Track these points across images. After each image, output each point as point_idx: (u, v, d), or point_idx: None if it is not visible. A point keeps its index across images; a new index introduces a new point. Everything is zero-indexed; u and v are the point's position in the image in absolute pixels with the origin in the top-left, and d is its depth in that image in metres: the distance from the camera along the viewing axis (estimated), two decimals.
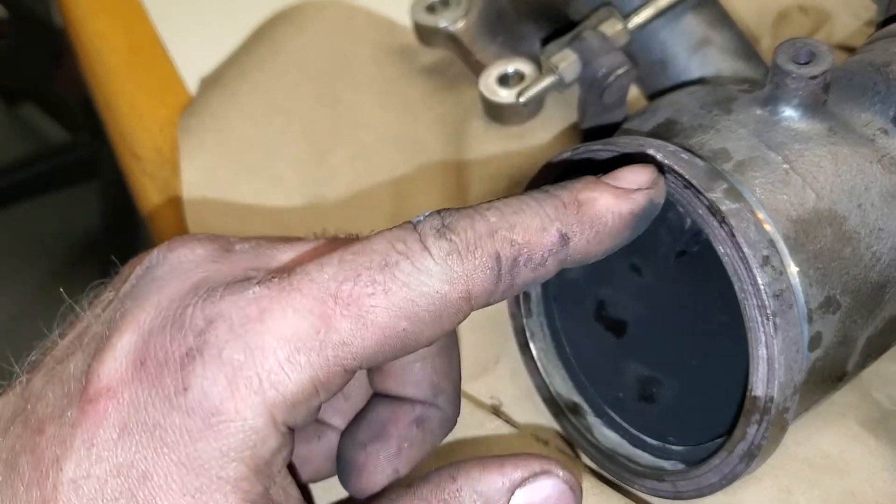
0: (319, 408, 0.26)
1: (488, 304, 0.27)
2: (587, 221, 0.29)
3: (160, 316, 0.26)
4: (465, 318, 0.27)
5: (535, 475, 0.27)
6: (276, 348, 0.24)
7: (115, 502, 0.24)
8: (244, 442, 0.24)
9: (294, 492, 0.28)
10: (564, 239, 0.28)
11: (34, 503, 0.24)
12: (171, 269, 0.28)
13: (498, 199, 0.29)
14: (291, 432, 0.26)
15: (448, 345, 0.33)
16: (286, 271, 0.26)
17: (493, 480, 0.27)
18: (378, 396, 0.33)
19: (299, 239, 0.31)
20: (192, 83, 0.56)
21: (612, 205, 0.29)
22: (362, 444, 0.32)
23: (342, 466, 0.32)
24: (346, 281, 0.25)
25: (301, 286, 0.25)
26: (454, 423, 0.34)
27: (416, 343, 0.26)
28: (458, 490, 0.27)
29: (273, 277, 0.26)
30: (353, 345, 0.25)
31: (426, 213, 0.28)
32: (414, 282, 0.26)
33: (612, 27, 0.43)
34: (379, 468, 0.31)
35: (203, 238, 0.30)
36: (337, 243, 0.30)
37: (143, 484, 0.24)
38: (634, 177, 0.30)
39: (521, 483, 0.27)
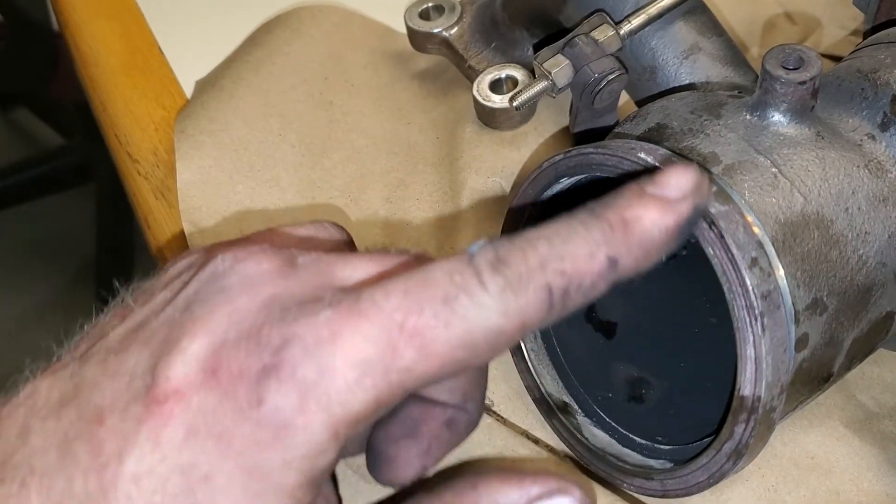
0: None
1: (541, 328, 0.29)
2: (634, 242, 0.29)
3: (234, 329, 0.27)
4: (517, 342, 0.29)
5: (552, 492, 0.29)
6: (346, 370, 0.26)
7: (174, 498, 0.25)
8: (307, 454, 0.26)
9: (333, 499, 0.30)
10: (613, 262, 0.29)
11: (91, 490, 0.26)
12: (239, 281, 0.29)
13: (547, 226, 0.29)
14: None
15: None
16: (353, 295, 0.27)
17: (512, 493, 0.28)
18: (412, 397, 0.34)
19: (354, 253, 0.32)
20: (188, 86, 0.56)
21: (657, 220, 0.29)
22: (395, 438, 0.33)
23: (373, 457, 0.34)
24: (410, 313, 0.27)
25: (369, 313, 0.27)
26: (477, 425, 0.35)
27: (470, 367, 0.28)
28: (477, 499, 0.28)
29: (342, 301, 0.27)
30: (415, 371, 0.27)
31: (479, 243, 0.29)
32: (472, 315, 0.27)
33: (603, 33, 0.44)
34: (409, 462, 0.33)
35: (269, 250, 0.30)
36: (393, 265, 0.31)
37: (203, 484, 0.26)
38: (678, 182, 0.29)
39: (538, 498, 0.29)
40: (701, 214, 0.31)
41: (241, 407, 0.26)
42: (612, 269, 0.29)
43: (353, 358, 0.26)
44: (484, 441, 0.40)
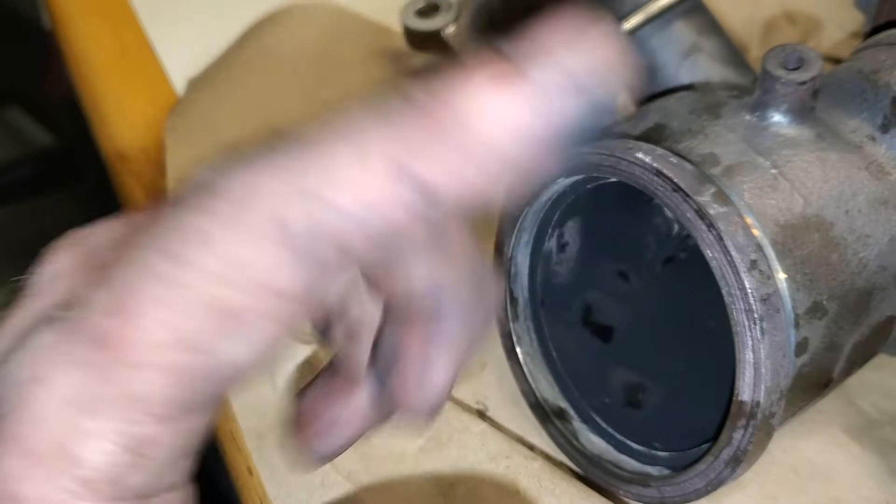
0: (186, 456, 0.21)
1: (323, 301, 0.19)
2: (468, 153, 0.17)
3: None
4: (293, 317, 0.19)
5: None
6: (58, 418, 0.19)
7: None
8: None
9: None
10: (427, 189, 0.17)
11: None
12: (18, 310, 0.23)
13: (310, 128, 0.19)
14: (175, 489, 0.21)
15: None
16: (66, 306, 0.20)
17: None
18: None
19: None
20: (179, 83, 0.55)
21: (510, 118, 0.17)
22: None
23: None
24: (106, 315, 0.19)
25: (71, 329, 0.20)
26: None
27: (225, 368, 0.19)
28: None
29: (55, 320, 0.20)
30: (145, 394, 0.19)
31: (199, 171, 0.20)
32: (188, 297, 0.19)
33: None
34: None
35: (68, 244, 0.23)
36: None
37: None
38: (558, 55, 0.17)
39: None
40: (608, 105, 0.18)
41: None
42: (427, 204, 0.17)
43: (62, 397, 0.19)
44: (478, 447, 0.39)
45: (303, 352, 0.42)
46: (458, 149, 0.17)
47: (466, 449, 0.39)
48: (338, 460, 0.39)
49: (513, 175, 0.18)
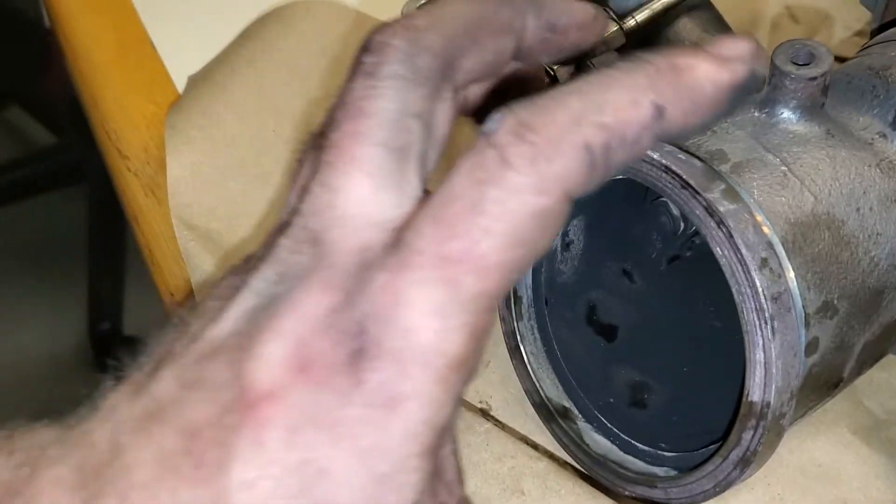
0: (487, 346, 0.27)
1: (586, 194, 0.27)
2: (684, 90, 0.27)
3: (307, 326, 0.26)
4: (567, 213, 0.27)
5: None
6: (427, 324, 0.25)
7: (295, 499, 0.24)
8: (424, 417, 0.25)
9: (452, 461, 0.29)
10: (659, 111, 0.26)
11: (201, 501, 0.25)
12: (289, 286, 0.27)
13: (578, 80, 0.27)
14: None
15: None
16: (394, 248, 0.26)
17: None
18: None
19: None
20: (180, 81, 0.55)
21: (711, 72, 0.27)
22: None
23: None
24: (444, 242, 0.25)
25: (412, 261, 0.25)
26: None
27: (535, 256, 0.26)
28: None
29: (385, 259, 0.26)
30: (489, 290, 0.25)
31: (496, 117, 0.26)
32: (510, 207, 0.25)
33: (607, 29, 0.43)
34: None
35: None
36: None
37: (321, 479, 0.25)
38: (735, 46, 0.28)
39: None
40: (757, 83, 0.29)
41: (343, 393, 0.25)
42: (657, 119, 0.26)
43: (425, 311, 0.25)
44: (482, 446, 0.39)
45: None
46: (689, 95, 0.27)
47: (470, 448, 0.39)
48: None
49: (705, 117, 0.28)
